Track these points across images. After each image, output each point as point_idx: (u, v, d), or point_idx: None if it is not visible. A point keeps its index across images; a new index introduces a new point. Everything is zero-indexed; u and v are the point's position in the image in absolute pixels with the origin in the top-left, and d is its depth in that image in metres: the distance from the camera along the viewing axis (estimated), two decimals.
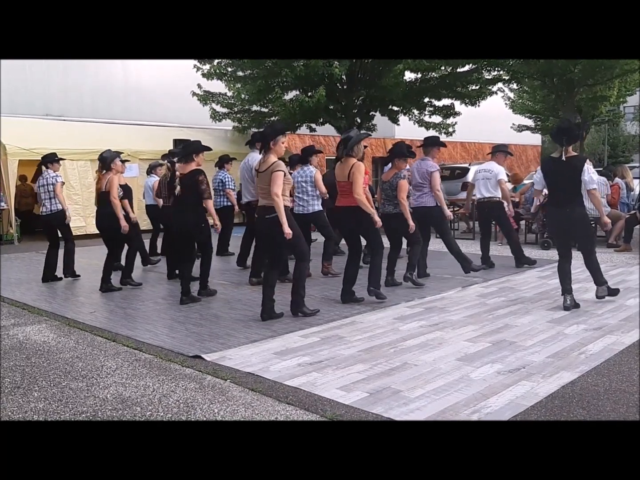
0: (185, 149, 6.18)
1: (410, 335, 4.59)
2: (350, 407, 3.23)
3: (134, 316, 5.39)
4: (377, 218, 5.54)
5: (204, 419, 3.10)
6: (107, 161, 6.73)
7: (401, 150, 6.52)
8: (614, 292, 5.62)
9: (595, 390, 3.41)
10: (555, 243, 5.98)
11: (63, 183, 7.36)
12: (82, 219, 12.14)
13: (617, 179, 10.33)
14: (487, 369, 3.79)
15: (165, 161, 9.00)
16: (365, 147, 8.01)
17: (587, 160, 5.33)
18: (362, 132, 6.29)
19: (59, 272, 7.40)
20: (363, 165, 5.63)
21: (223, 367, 3.92)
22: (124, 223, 6.61)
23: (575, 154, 5.39)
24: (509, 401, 3.25)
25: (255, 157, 6.90)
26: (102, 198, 6.71)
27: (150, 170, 9.51)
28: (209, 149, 6.31)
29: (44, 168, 7.54)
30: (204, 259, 6.26)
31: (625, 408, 3.15)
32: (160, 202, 8.28)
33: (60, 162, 7.54)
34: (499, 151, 7.84)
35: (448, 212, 7.01)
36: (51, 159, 7.44)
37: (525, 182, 12.16)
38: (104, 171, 6.76)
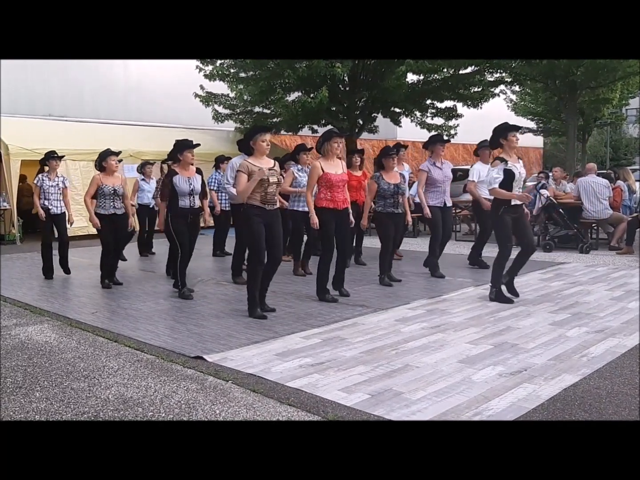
0: (172, 150, 6.23)
1: (411, 337, 4.59)
2: (351, 408, 3.22)
3: (136, 316, 5.39)
4: (314, 219, 5.66)
5: (206, 420, 3.10)
6: (99, 160, 6.80)
7: (385, 150, 6.67)
8: (505, 299, 5.72)
9: (597, 393, 3.41)
10: None
11: (38, 186, 7.35)
12: (84, 219, 12.12)
13: (619, 182, 10.31)
14: (488, 371, 3.79)
15: (154, 163, 9.13)
16: (359, 152, 8.04)
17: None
18: (332, 130, 6.29)
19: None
20: (317, 165, 5.77)
21: (224, 368, 3.91)
22: (94, 221, 6.66)
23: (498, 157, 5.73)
24: (511, 403, 3.25)
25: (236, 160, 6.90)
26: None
27: (140, 169, 9.54)
28: (191, 146, 6.12)
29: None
30: (178, 258, 6.16)
31: (627, 411, 3.15)
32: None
33: (55, 161, 7.43)
34: (481, 147, 7.83)
35: (425, 211, 7.13)
36: (45, 158, 7.48)
37: (528, 183, 12.15)
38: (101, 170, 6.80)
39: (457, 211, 12.13)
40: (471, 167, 7.95)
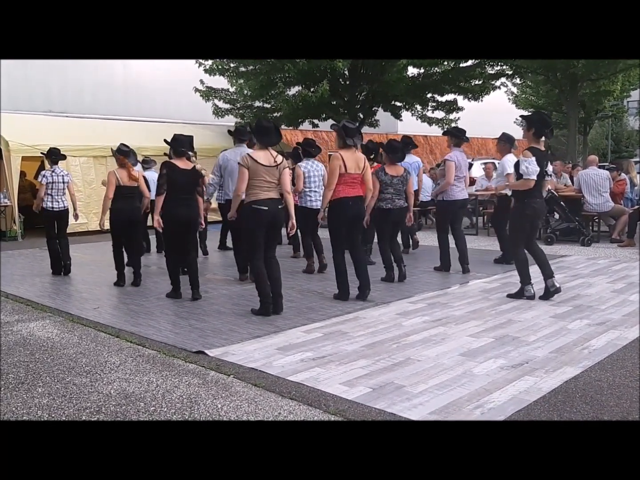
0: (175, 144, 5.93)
1: (413, 331, 4.59)
2: (353, 402, 3.23)
3: (138, 312, 5.40)
4: (367, 216, 5.49)
5: (207, 414, 3.11)
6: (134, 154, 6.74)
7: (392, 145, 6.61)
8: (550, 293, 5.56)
9: (598, 386, 3.41)
10: None
11: (45, 185, 7.21)
12: (84, 215, 12.13)
13: (623, 174, 10.30)
14: (490, 364, 3.79)
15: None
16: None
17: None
18: (346, 121, 6.07)
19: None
20: (335, 157, 5.51)
21: (226, 363, 3.92)
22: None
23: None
24: (512, 396, 3.25)
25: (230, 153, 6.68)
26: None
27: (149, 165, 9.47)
28: (184, 154, 5.80)
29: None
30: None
31: (628, 403, 3.15)
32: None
33: (58, 159, 7.39)
34: (500, 141, 7.66)
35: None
36: (48, 156, 7.44)
37: None
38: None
39: (469, 200, 12.08)
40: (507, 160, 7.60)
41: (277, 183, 5.14)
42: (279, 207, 5.18)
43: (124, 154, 6.67)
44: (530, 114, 5.54)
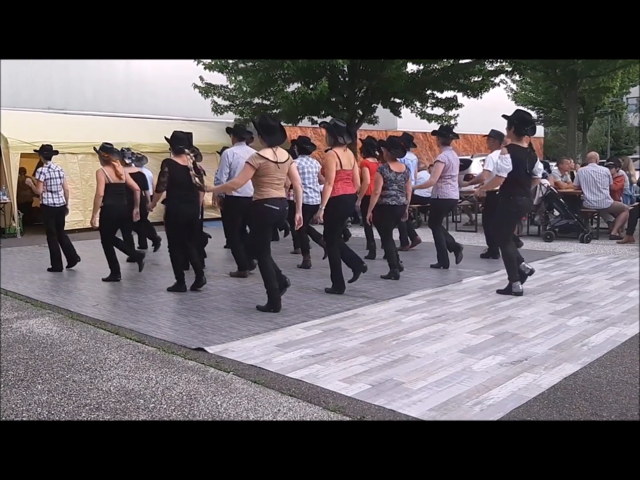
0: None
1: (412, 328, 4.59)
2: (352, 399, 3.23)
3: (137, 309, 5.39)
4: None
5: (207, 411, 3.11)
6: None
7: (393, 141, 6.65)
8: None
9: (597, 382, 3.42)
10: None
11: (43, 181, 7.21)
12: (81, 212, 12.10)
13: (621, 171, 10.30)
14: (489, 360, 3.80)
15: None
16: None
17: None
18: (337, 120, 6.03)
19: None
20: (331, 155, 5.57)
21: (226, 360, 3.92)
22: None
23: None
24: (511, 393, 3.26)
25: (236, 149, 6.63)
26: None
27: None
28: (182, 151, 5.92)
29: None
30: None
31: (627, 400, 3.16)
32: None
33: (45, 154, 7.41)
34: (490, 137, 7.68)
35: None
36: (41, 152, 7.43)
37: None
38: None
39: (458, 201, 12.09)
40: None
41: (284, 180, 5.18)
42: (286, 207, 5.22)
43: (108, 151, 6.70)
44: (512, 113, 5.56)
